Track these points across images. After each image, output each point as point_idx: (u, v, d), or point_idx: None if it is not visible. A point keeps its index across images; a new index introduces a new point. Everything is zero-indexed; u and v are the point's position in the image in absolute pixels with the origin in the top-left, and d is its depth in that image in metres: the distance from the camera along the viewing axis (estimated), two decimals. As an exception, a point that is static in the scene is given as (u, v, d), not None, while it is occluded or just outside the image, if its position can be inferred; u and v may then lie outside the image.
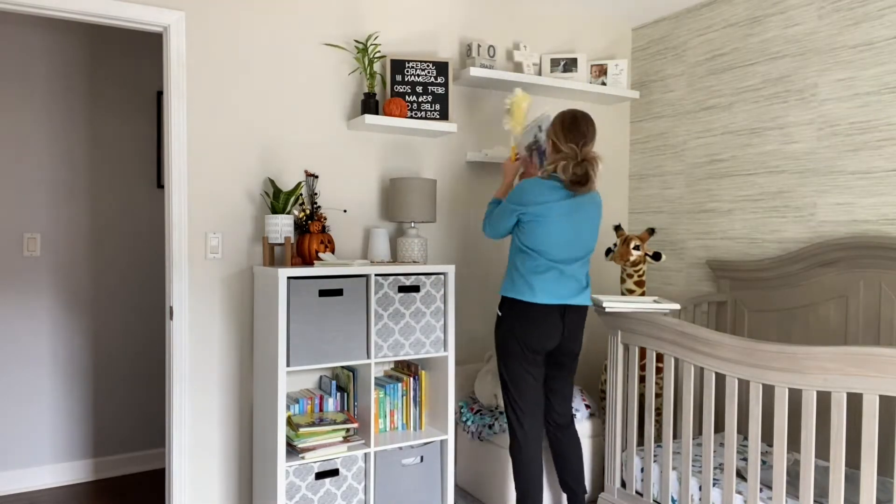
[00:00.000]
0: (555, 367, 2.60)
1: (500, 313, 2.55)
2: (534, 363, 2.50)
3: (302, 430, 2.50)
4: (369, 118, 2.82)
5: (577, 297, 2.49)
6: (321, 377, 2.88)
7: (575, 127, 2.44)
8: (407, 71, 3.00)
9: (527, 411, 2.52)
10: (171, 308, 2.61)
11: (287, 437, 2.55)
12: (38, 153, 3.25)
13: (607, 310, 2.63)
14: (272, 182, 2.70)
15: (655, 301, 2.70)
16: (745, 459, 2.72)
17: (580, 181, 2.39)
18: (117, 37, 3.43)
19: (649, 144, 3.71)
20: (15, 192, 3.21)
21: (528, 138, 2.79)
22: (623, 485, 2.78)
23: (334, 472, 2.56)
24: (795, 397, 2.88)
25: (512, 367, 2.52)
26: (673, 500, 2.54)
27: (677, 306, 2.60)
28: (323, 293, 2.52)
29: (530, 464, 2.54)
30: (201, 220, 2.66)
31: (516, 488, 2.58)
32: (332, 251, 2.73)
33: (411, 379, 2.83)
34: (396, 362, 2.98)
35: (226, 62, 2.70)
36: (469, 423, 2.99)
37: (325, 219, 2.85)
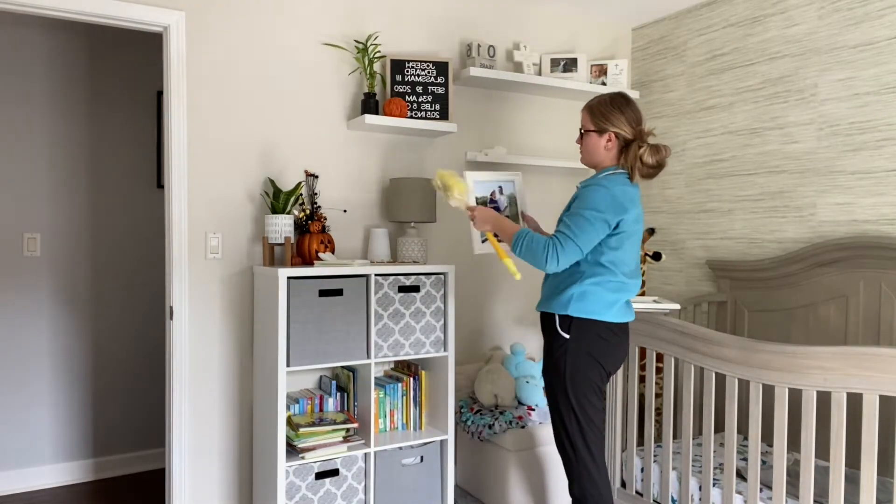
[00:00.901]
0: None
1: (566, 335, 2.12)
2: (604, 388, 2.20)
3: (302, 430, 2.50)
4: (369, 118, 2.82)
5: (632, 311, 2.23)
6: (321, 377, 2.88)
7: (630, 105, 2.14)
8: (407, 71, 3.00)
9: (601, 450, 2.19)
10: (171, 308, 2.61)
11: (287, 437, 2.55)
12: (39, 153, 3.25)
13: None
14: (272, 182, 2.70)
15: (655, 301, 2.70)
16: (745, 459, 2.72)
17: (662, 164, 2.13)
18: (117, 37, 3.43)
19: (649, 144, 3.71)
20: (15, 192, 3.20)
21: (481, 192, 2.42)
22: (623, 485, 2.78)
23: (334, 472, 2.56)
24: (795, 397, 2.88)
25: (589, 398, 2.14)
26: (673, 500, 2.54)
27: (677, 306, 2.59)
28: (323, 293, 2.52)
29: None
30: (201, 220, 2.66)
31: None
32: (332, 251, 2.73)
33: (411, 379, 2.83)
34: (396, 362, 2.98)
35: (226, 62, 2.70)
36: (469, 423, 2.99)
37: (325, 219, 2.85)
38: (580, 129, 2.22)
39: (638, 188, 2.15)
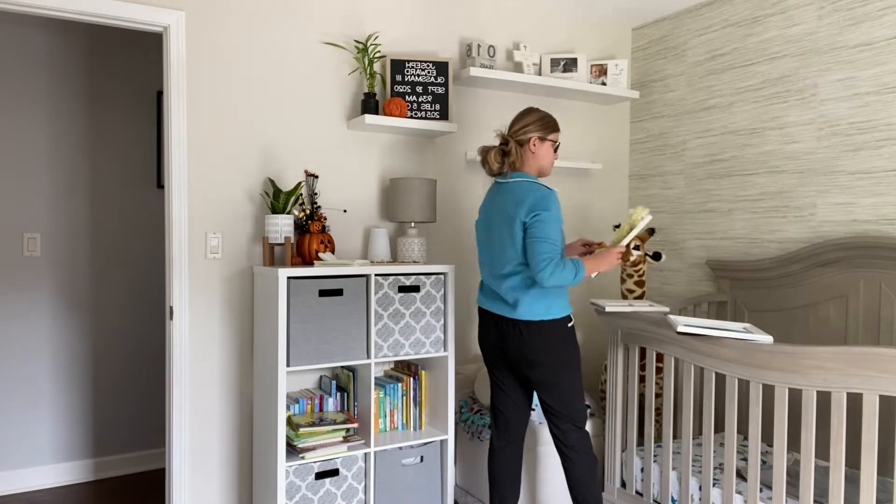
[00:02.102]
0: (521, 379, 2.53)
1: None
2: (492, 369, 2.52)
3: (302, 430, 2.50)
4: (369, 118, 2.82)
5: (504, 309, 2.36)
6: (321, 377, 2.88)
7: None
8: (407, 71, 3.00)
9: (495, 433, 2.56)
10: (171, 308, 2.61)
11: (287, 437, 2.55)
12: (38, 153, 3.25)
13: (608, 310, 2.64)
14: (272, 182, 2.70)
15: (650, 305, 2.68)
16: (745, 459, 2.72)
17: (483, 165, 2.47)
18: (117, 37, 3.43)
19: (649, 144, 3.71)
20: (15, 192, 3.21)
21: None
22: (623, 485, 2.78)
23: (334, 472, 2.56)
24: (795, 397, 2.88)
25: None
26: (673, 500, 2.54)
27: (666, 309, 2.54)
28: (323, 293, 2.52)
29: (488, 470, 2.61)
30: (201, 220, 2.66)
31: None
32: (332, 251, 2.73)
33: (411, 379, 2.83)
34: (396, 362, 2.98)
35: (226, 62, 2.70)
36: (469, 423, 2.98)
37: (325, 219, 2.85)
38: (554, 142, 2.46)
39: (498, 190, 2.42)
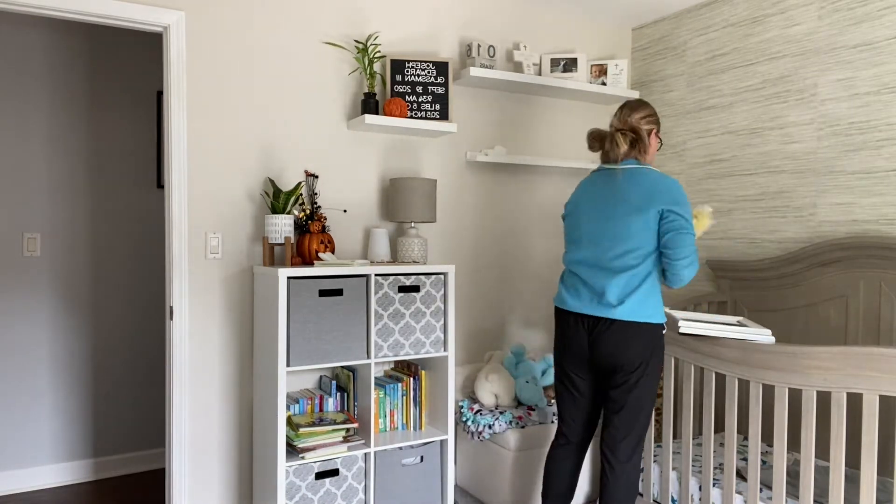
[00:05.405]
0: (601, 387, 2.38)
1: None
2: (568, 372, 2.36)
3: (302, 430, 2.50)
4: (369, 118, 2.82)
5: (599, 309, 2.19)
6: (321, 377, 2.88)
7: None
8: (407, 71, 3.00)
9: (557, 438, 2.46)
10: (171, 308, 2.61)
11: (287, 437, 2.55)
12: (38, 153, 3.25)
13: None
14: (272, 182, 2.70)
15: (740, 323, 2.32)
16: (745, 459, 2.72)
17: (595, 149, 2.32)
18: (117, 37, 3.43)
19: (649, 144, 3.71)
20: (15, 192, 3.20)
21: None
22: (623, 485, 2.77)
23: (334, 472, 2.56)
24: (795, 397, 2.88)
25: (556, 385, 2.45)
26: (673, 500, 2.54)
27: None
28: (323, 293, 2.52)
29: (544, 471, 2.51)
30: (201, 220, 2.66)
31: None
32: (332, 251, 2.73)
33: (411, 379, 2.83)
34: (396, 362, 2.98)
35: (226, 62, 2.70)
36: (469, 423, 2.99)
37: (325, 219, 2.85)
38: (644, 133, 2.31)
39: (611, 176, 2.28)
